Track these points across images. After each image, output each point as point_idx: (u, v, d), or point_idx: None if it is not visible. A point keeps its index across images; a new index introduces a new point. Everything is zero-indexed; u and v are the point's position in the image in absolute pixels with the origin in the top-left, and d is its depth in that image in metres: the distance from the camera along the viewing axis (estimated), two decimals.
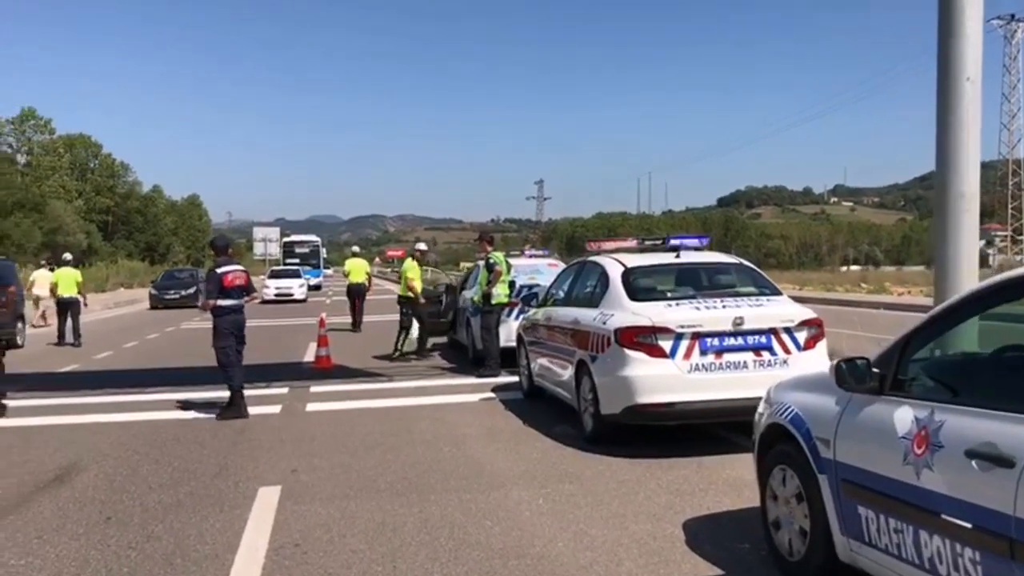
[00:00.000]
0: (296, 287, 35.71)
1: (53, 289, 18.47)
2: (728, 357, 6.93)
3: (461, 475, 6.57)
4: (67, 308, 18.17)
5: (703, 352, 6.90)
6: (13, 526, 5.47)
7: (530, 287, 12.58)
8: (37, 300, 20.60)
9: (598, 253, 8.73)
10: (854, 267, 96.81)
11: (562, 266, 14.08)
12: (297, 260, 48.73)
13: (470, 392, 10.53)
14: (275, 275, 38.11)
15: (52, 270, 20.44)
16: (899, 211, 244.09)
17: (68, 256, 20.24)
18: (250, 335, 19.41)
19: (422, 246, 15.21)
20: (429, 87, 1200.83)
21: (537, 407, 9.32)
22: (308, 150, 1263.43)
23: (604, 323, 7.29)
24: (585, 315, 7.80)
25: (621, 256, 8.25)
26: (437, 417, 8.98)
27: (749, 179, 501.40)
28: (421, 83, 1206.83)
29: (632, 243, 8.91)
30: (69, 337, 17.84)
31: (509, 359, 11.58)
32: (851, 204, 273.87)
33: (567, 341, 8.12)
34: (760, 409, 4.85)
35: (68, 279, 18.48)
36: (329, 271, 68.29)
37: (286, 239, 57.80)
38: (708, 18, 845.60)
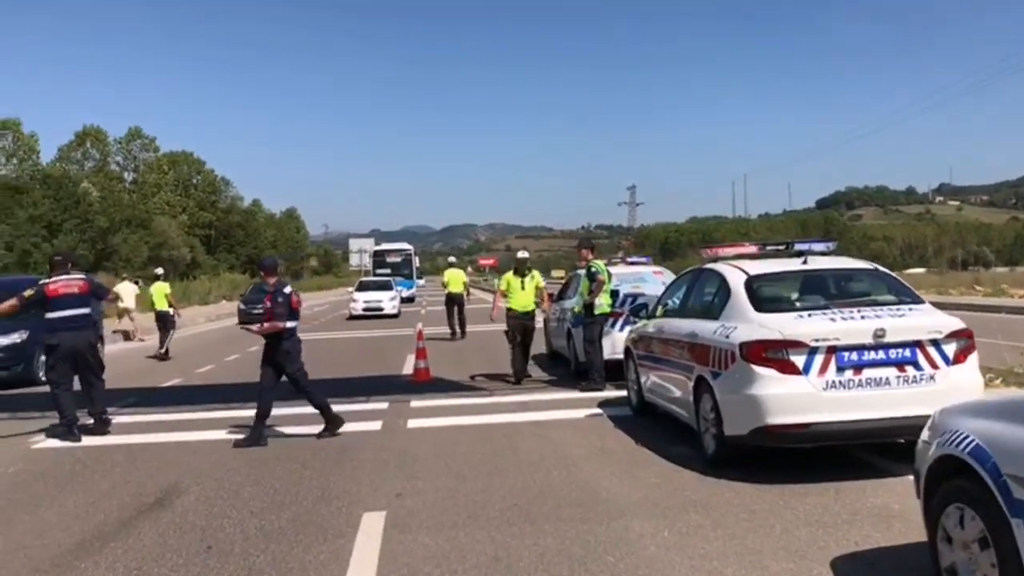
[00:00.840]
0: (387, 300, 32.15)
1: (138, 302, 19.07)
2: (868, 373, 6.28)
3: (575, 502, 6.10)
4: (159, 321, 18.68)
5: (840, 368, 6.27)
6: (113, 554, 5.25)
7: (634, 296, 12.03)
8: (122, 313, 21.13)
9: (715, 260, 8.15)
10: (965, 269, 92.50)
11: (667, 273, 13.54)
12: (388, 270, 45.85)
13: (575, 408, 10.05)
14: (363, 287, 34.30)
15: (137, 283, 21.01)
16: (1010, 209, 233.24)
17: (159, 271, 20.72)
18: (344, 347, 19.44)
19: (524, 254, 13.95)
20: (518, 94, 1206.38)
21: (649, 425, 8.78)
22: (401, 161, 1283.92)
23: (727, 336, 6.73)
24: (704, 328, 7.24)
25: (742, 263, 7.66)
26: (542, 435, 8.54)
27: (849, 180, 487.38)
28: (510, 90, 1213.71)
29: (752, 248, 8.28)
30: (145, 347, 18.11)
31: (613, 372, 11.10)
32: (957, 203, 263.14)
33: (684, 356, 7.58)
34: (924, 437, 4.25)
35: (158, 293, 19.00)
36: (422, 281, 64.41)
37: (376, 248, 54.90)
38: (806, 17, 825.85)
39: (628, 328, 10.70)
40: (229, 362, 17.55)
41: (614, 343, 11.47)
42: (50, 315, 9.19)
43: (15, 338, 13.98)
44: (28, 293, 9.42)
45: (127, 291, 21.22)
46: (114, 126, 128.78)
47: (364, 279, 38.78)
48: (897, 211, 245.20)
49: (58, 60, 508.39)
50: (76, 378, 9.40)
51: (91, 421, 9.37)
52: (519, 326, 12.56)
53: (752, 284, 7.12)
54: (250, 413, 10.35)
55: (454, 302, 21.05)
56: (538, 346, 16.55)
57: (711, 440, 6.94)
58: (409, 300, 42.13)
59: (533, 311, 12.78)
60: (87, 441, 9.02)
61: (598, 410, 9.81)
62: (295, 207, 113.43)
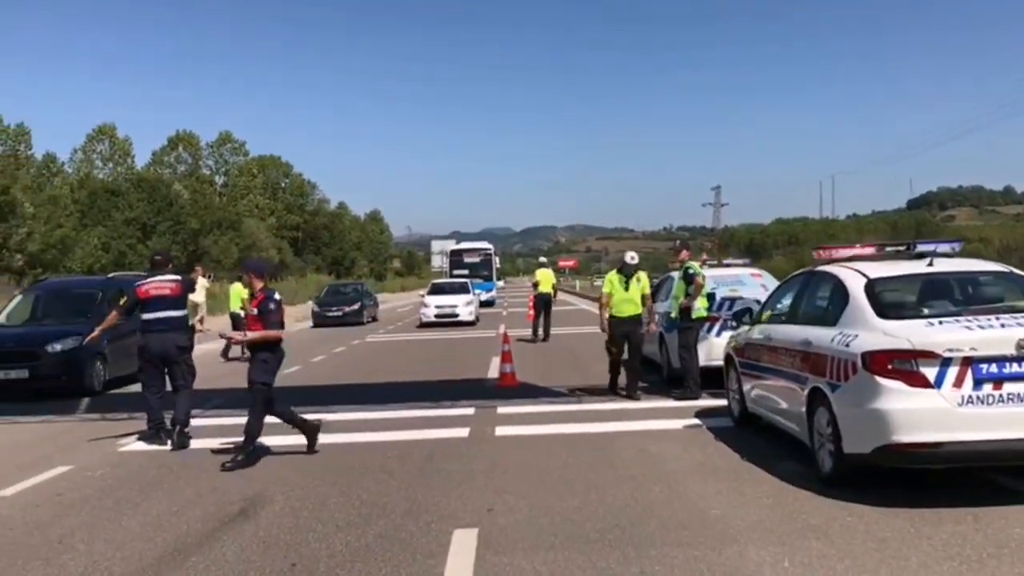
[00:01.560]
0: (463, 305, 28.04)
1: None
2: (1011, 387, 5.64)
3: (681, 523, 5.63)
4: (233, 322, 18.90)
5: (978, 381, 5.65)
6: (195, 569, 5.01)
7: (731, 300, 11.45)
8: (195, 307, 21.43)
9: (829, 262, 7.56)
10: None
11: (767, 276, 12.90)
12: (466, 271, 41.54)
13: (671, 417, 9.55)
14: (436, 290, 30.41)
15: (209, 277, 21.62)
16: None
17: (198, 271, 21.22)
18: (424, 349, 19.22)
19: (632, 257, 11.36)
20: (597, 96, 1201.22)
21: (753, 437, 8.23)
22: (481, 163, 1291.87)
23: (847, 345, 6.16)
24: (819, 335, 6.67)
25: (860, 265, 7.05)
26: (639, 447, 8.07)
27: (941, 179, 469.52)
28: (589, 92, 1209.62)
29: (870, 249, 7.66)
30: (234, 351, 18.11)
31: (707, 380, 10.56)
32: None
33: (795, 365, 7.02)
34: None
35: (234, 295, 19.29)
36: (501, 283, 59.93)
37: (452, 247, 49.30)
38: (896, 12, 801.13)
39: (727, 333, 10.15)
40: (315, 363, 17.52)
41: (710, 349, 10.93)
42: (143, 316, 9.02)
43: (58, 347, 12.79)
44: (123, 301, 9.39)
45: (202, 284, 21.52)
46: (205, 131, 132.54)
47: (437, 281, 34.58)
48: (994, 211, 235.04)
49: (151, 67, 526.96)
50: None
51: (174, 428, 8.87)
52: (623, 334, 11.00)
53: (873, 288, 6.54)
54: (337, 417, 10.22)
55: (544, 303, 20.72)
56: None
57: (827, 457, 6.39)
58: (488, 304, 38.53)
59: (639, 315, 11.05)
60: (171, 445, 8.91)
61: (696, 420, 9.29)
62: (379, 209, 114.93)
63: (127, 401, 11.81)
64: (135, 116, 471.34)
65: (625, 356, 11.11)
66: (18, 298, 15.46)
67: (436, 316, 27.69)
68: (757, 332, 8.26)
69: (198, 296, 20.75)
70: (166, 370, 9.08)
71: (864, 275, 6.72)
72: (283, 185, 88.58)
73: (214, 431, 9.69)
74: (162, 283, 9.07)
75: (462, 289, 30.09)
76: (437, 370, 15.23)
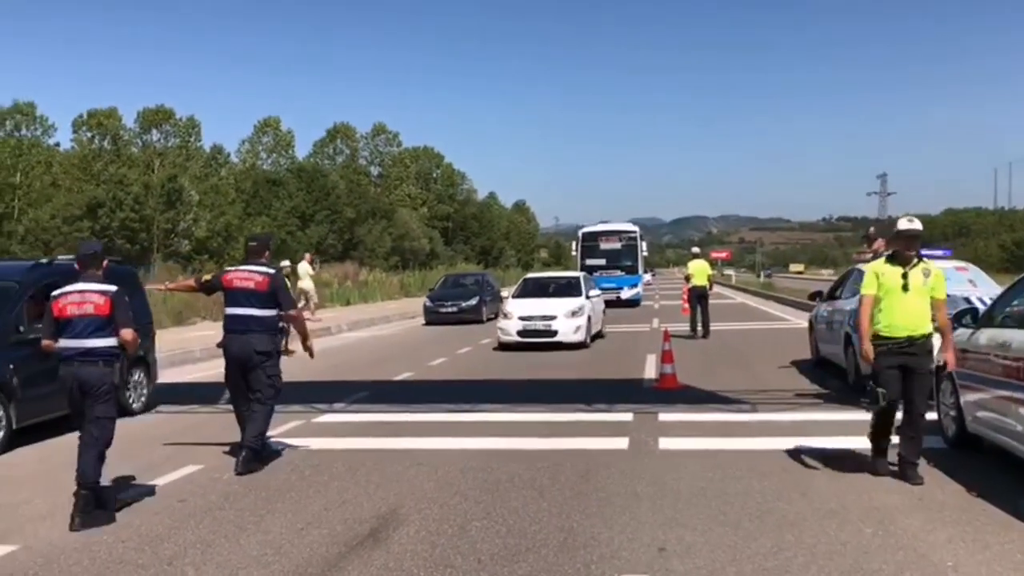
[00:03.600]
0: (565, 317, 17.26)
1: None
2: None
3: None
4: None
5: None
6: None
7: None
8: (300, 293, 20.99)
9: None
10: None
11: (974, 270, 11.23)
12: (602, 261, 32.70)
13: (863, 433, 8.12)
14: (526, 291, 19.56)
15: (314, 263, 21.28)
16: None
17: (287, 263, 20.53)
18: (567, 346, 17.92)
19: (911, 224, 6.67)
20: (749, 82, 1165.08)
21: (977, 464, 6.80)
22: (630, 152, 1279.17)
23: None
24: None
25: None
26: (835, 471, 6.79)
27: None
28: (742, 77, 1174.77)
29: None
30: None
31: None
32: None
33: None
34: None
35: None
36: (648, 277, 49.65)
37: (585, 229, 35.29)
38: None
39: (936, 338, 8.63)
40: (461, 355, 16.85)
41: None
42: (225, 310, 7.61)
43: None
44: (206, 278, 8.10)
45: (304, 271, 21.04)
46: (359, 121, 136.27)
47: (531, 275, 24.00)
48: None
49: (312, 62, 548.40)
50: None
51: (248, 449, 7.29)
52: (900, 367, 6.54)
53: None
54: (480, 418, 9.36)
55: (699, 297, 19.28)
56: (796, 350, 14.59)
57: None
58: (631, 303, 31.17)
59: (927, 336, 6.58)
60: (310, 444, 8.30)
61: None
62: (524, 200, 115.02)
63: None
64: (296, 108, 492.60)
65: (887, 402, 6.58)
66: None
67: (522, 334, 17.27)
68: (986, 337, 6.79)
69: (305, 283, 20.41)
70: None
71: None
72: (435, 175, 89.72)
73: (355, 429, 9.06)
74: (250, 274, 7.43)
75: (568, 290, 19.09)
76: (586, 368, 14.21)
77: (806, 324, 15.30)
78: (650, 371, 13.19)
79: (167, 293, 8.53)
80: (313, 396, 10.71)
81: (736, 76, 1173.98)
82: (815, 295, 14.37)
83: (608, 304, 23.51)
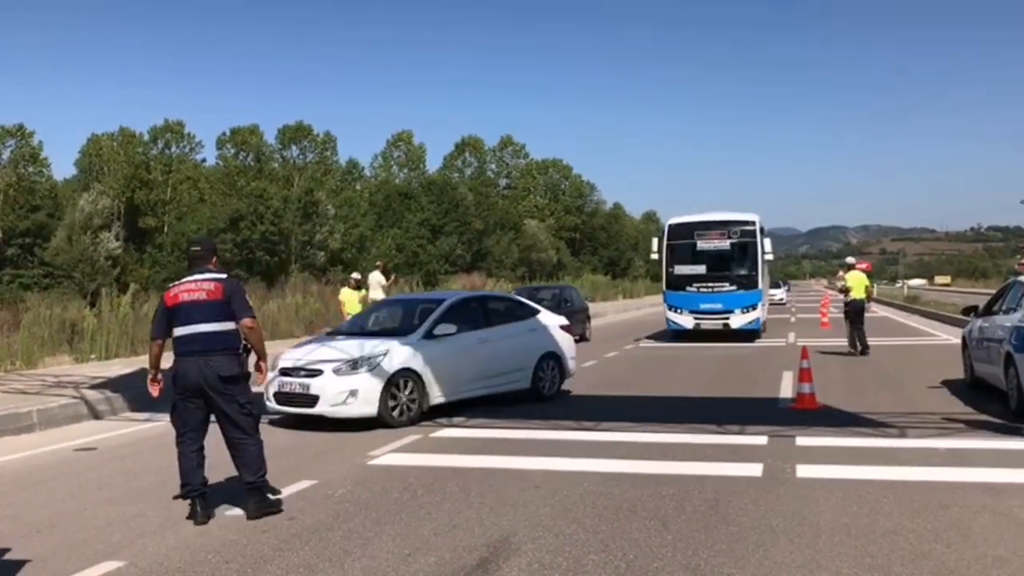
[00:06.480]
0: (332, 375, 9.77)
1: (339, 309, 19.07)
2: None
3: None
4: None
5: None
6: None
7: None
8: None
9: None
10: None
11: None
12: (701, 268, 22.13)
13: None
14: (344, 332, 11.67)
15: (389, 275, 20.90)
16: None
17: (356, 275, 20.25)
18: (696, 358, 17.33)
19: None
20: (891, 85, 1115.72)
21: None
22: (761, 161, 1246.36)
23: None
24: None
25: None
26: (998, 508, 6.02)
27: None
28: (881, 82, 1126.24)
29: None
30: None
31: None
32: None
33: None
34: None
35: (352, 300, 18.74)
36: (780, 293, 45.45)
37: (675, 220, 23.30)
38: None
39: None
40: (586, 368, 16.41)
41: None
42: (173, 332, 6.28)
43: None
44: (154, 315, 6.66)
45: (375, 281, 20.59)
46: (488, 135, 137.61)
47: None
48: None
49: (442, 82, 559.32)
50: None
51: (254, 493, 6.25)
52: None
53: None
54: (601, 437, 8.91)
55: (857, 311, 17.80)
56: (947, 369, 13.48)
57: None
58: (747, 334, 21.77)
59: None
60: (423, 461, 8.07)
61: None
62: (654, 210, 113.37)
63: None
64: (426, 122, 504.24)
65: None
66: None
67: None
68: None
69: (376, 293, 20.04)
70: (209, 411, 6.27)
71: None
72: (563, 187, 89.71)
73: (470, 446, 8.78)
74: (198, 284, 6.27)
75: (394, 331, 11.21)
76: (719, 385, 13.53)
77: (958, 341, 14.18)
78: (786, 390, 12.42)
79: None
80: (432, 409, 10.51)
81: (873, 79, 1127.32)
82: (969, 309, 13.25)
83: (707, 336, 21.00)
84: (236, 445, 6.21)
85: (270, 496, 6.32)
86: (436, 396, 10.34)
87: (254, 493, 6.19)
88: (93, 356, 16.81)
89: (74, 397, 11.39)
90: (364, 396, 9.52)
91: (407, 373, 9.95)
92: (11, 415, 10.07)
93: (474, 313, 11.56)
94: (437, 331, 10.60)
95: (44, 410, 10.49)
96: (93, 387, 12.20)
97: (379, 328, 11.49)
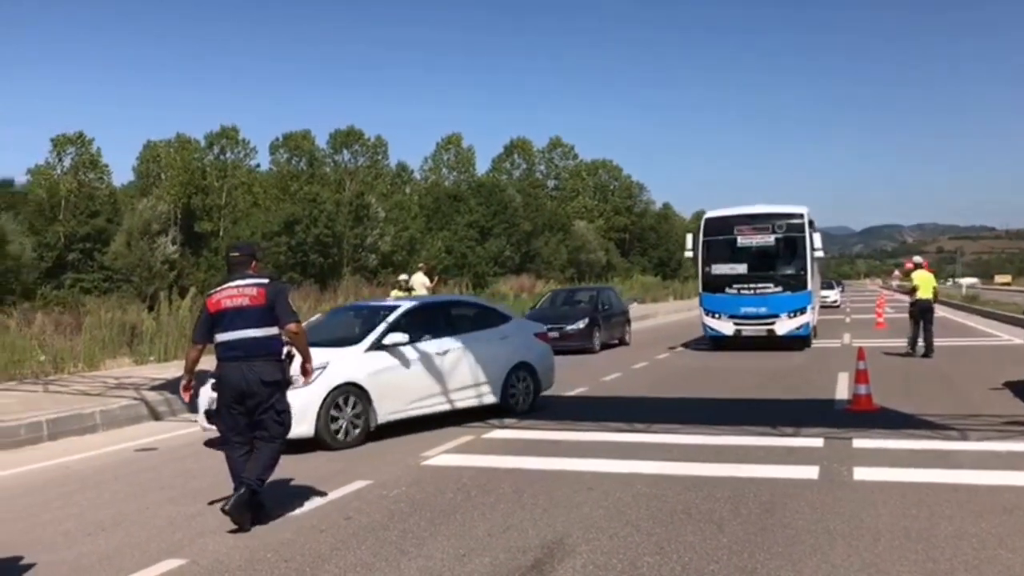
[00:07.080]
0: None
1: None
2: None
3: None
4: None
5: None
6: None
7: None
8: None
9: None
10: None
11: None
12: (743, 267, 19.65)
13: None
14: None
15: (436, 278, 20.84)
16: None
17: (404, 277, 20.26)
18: (745, 360, 17.13)
19: None
20: (946, 79, 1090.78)
21: None
22: (813, 158, 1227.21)
23: None
24: None
25: None
26: None
27: None
28: (937, 75, 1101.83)
29: None
30: None
31: None
32: None
33: None
34: None
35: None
36: (834, 294, 43.55)
37: (711, 214, 20.97)
38: None
39: None
40: (637, 370, 16.38)
41: None
42: (216, 338, 6.33)
43: None
44: (196, 320, 6.70)
45: (419, 283, 20.46)
46: (537, 137, 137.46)
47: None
48: None
49: (489, 84, 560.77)
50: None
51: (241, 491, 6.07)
52: None
53: None
54: (655, 439, 8.88)
55: (922, 312, 17.27)
56: (1009, 371, 13.16)
57: None
58: (797, 340, 19.42)
59: None
60: (476, 462, 8.11)
61: None
62: (704, 209, 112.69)
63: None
64: (475, 125, 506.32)
65: None
66: None
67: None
68: None
69: (420, 295, 20.09)
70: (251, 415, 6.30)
71: None
72: (612, 188, 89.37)
73: (525, 447, 8.80)
74: (240, 290, 6.28)
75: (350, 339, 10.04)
76: (772, 387, 13.38)
77: (1020, 341, 13.83)
78: (842, 391, 12.24)
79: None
80: (484, 409, 10.55)
81: (929, 73, 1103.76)
82: None
83: (748, 344, 19.16)
84: (256, 446, 6.28)
85: (258, 501, 6.16)
86: (386, 413, 9.35)
87: (245, 490, 6.02)
88: (152, 358, 17.21)
89: (135, 398, 11.67)
90: (298, 415, 7.74)
91: (350, 388, 9.02)
92: (76, 416, 10.37)
93: (433, 320, 10.50)
94: (387, 340, 9.63)
95: (106, 411, 10.77)
96: (153, 388, 12.49)
97: (329, 338, 9.80)
